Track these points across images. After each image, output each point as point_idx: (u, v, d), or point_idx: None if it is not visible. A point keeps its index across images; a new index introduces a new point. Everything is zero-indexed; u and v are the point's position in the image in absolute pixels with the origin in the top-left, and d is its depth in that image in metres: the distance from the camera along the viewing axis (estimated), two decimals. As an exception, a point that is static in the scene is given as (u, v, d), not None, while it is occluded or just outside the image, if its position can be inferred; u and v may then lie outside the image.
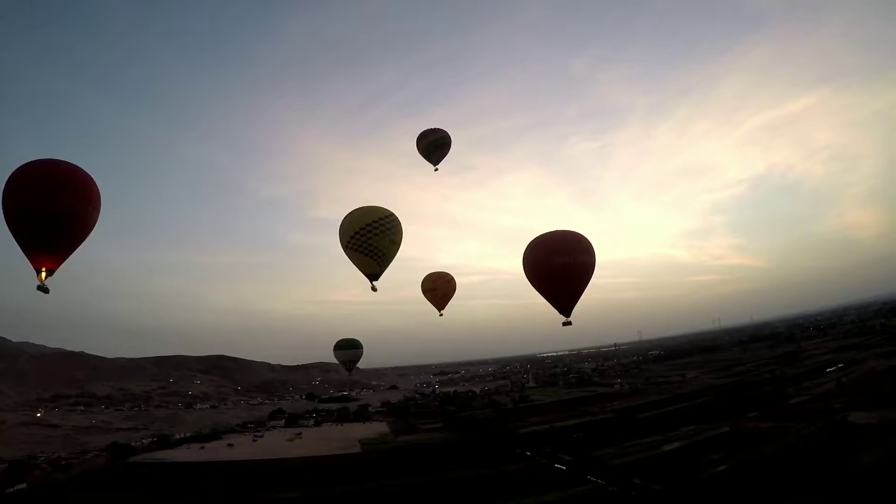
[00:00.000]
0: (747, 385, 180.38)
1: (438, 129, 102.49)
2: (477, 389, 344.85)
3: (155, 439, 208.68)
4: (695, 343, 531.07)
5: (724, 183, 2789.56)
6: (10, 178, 46.77)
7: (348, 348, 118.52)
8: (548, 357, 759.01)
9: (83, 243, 50.50)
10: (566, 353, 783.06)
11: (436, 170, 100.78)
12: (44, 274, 47.01)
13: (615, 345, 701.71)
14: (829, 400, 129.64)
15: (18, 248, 47.18)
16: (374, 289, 76.36)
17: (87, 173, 48.86)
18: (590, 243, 64.40)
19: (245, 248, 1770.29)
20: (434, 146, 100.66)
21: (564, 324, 63.50)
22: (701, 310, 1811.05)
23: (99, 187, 49.86)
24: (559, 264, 62.17)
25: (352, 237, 72.87)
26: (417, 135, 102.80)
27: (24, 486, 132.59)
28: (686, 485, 75.57)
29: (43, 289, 47.22)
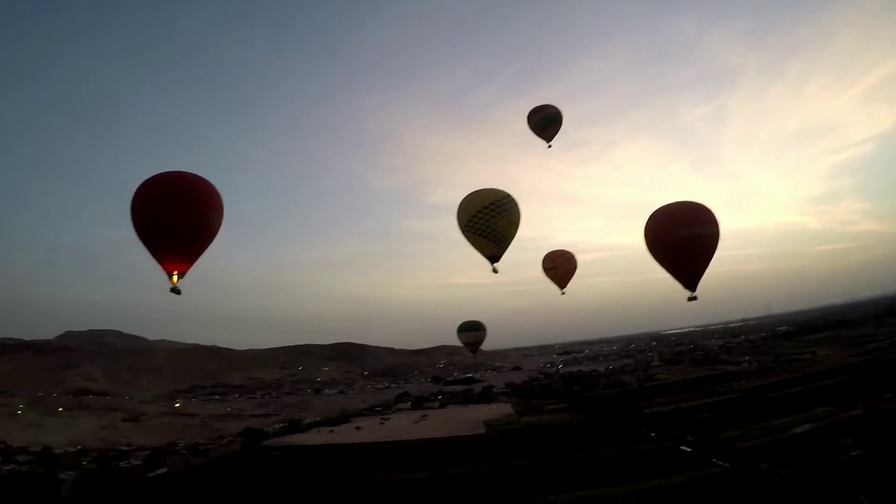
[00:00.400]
0: (883, 363, 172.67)
1: (548, 105, 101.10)
2: (601, 369, 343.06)
3: (286, 424, 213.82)
4: (826, 317, 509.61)
5: (848, 142, 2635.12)
6: (137, 191, 48.28)
7: (472, 330, 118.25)
8: (672, 334, 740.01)
9: (210, 246, 52.21)
10: (691, 329, 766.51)
11: (549, 146, 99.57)
12: (175, 277, 48.61)
13: (742, 320, 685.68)
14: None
15: (149, 254, 49.17)
16: (495, 270, 75.82)
17: (209, 182, 50.07)
18: (713, 214, 62.41)
19: (363, 238, 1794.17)
20: (545, 122, 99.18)
21: (690, 299, 61.71)
22: (831, 281, 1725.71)
23: (223, 195, 51.60)
24: (682, 237, 59.57)
25: (470, 220, 72.70)
26: (527, 113, 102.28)
27: (164, 470, 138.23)
28: (815, 470, 73.66)
29: (175, 291, 49.00)
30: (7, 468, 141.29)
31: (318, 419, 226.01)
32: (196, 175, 50.03)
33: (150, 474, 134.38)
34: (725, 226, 62.42)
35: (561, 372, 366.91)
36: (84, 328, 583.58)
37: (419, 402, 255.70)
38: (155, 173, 49.58)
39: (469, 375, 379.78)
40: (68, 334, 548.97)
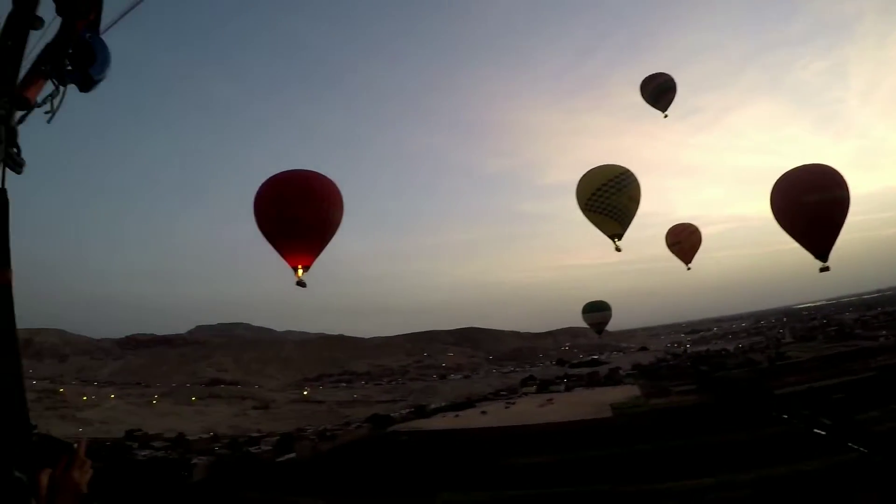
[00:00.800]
0: None
1: (661, 73, 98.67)
2: (730, 347, 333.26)
3: (412, 410, 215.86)
4: None
5: None
6: (260, 190, 49.51)
7: (596, 311, 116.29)
8: (805, 308, 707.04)
9: (332, 241, 53.09)
10: (824, 302, 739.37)
11: (665, 116, 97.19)
12: (300, 271, 49.46)
13: (878, 291, 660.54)
14: None
15: (273, 250, 50.29)
16: (618, 249, 74.25)
17: (328, 178, 50.94)
18: (841, 176, 59.12)
19: (481, 223, 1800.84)
20: (659, 91, 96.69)
21: (822, 269, 58.88)
22: None
23: (340, 186, 52.38)
24: (811, 202, 56.21)
25: (589, 198, 71.16)
26: (639, 83, 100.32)
27: (293, 455, 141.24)
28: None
29: (301, 284, 49.85)
30: (144, 453, 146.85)
31: (443, 404, 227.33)
32: (316, 172, 50.81)
33: (279, 459, 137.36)
34: (854, 189, 59.37)
35: (689, 351, 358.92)
36: (214, 322, 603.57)
37: (544, 386, 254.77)
38: (275, 172, 50.66)
39: (594, 357, 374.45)
40: (199, 328, 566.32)
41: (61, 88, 4.80)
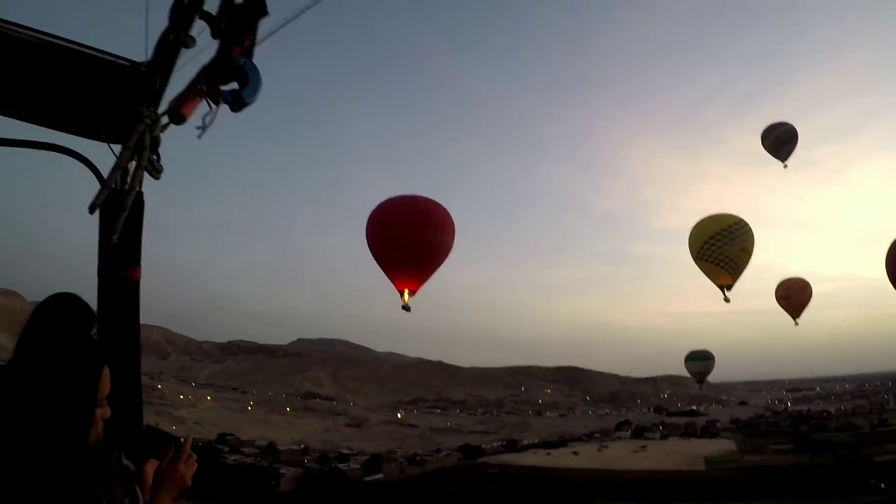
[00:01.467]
0: None
1: (783, 122, 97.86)
2: (832, 409, 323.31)
3: (504, 443, 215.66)
4: None
5: None
6: (374, 211, 50.73)
7: (699, 360, 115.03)
8: None
9: (440, 267, 53.95)
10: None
11: (785, 166, 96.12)
12: (406, 295, 50.41)
13: None
14: None
15: (381, 271, 51.36)
16: (726, 299, 73.46)
17: (439, 204, 51.76)
18: None
19: (589, 262, 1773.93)
20: (780, 141, 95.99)
21: None
22: None
23: (451, 212, 53.25)
24: None
25: (702, 247, 70.59)
26: (760, 132, 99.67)
27: (381, 476, 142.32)
28: None
29: (406, 308, 50.82)
30: (234, 458, 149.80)
31: (536, 441, 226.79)
32: (429, 198, 51.80)
33: (367, 478, 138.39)
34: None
35: (789, 409, 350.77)
36: (315, 336, 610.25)
37: (640, 432, 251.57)
38: (388, 194, 51.86)
39: (693, 408, 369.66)
40: (300, 341, 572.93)
41: (214, 108, 5.09)
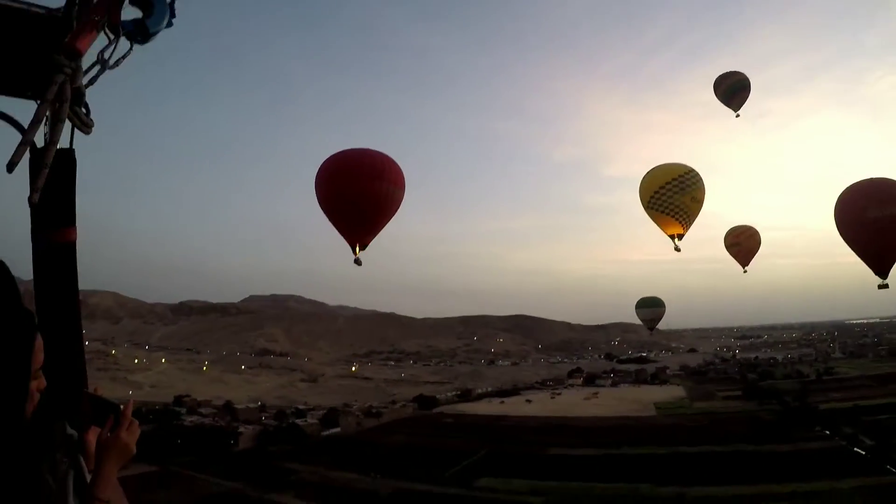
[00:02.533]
0: None
1: (736, 71, 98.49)
2: (779, 357, 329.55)
3: (458, 393, 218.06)
4: None
5: None
6: (323, 166, 50.39)
7: (650, 307, 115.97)
8: (857, 324, 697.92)
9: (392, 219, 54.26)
10: (878, 320, 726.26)
11: (737, 115, 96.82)
12: (357, 249, 50.77)
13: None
14: None
15: (331, 224, 51.52)
16: (677, 249, 73.41)
17: (391, 158, 51.34)
18: None
19: (541, 211, 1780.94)
20: (733, 90, 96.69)
21: (881, 286, 57.90)
22: None
23: (402, 166, 53.36)
24: (875, 217, 54.66)
25: (652, 197, 70.41)
26: (713, 81, 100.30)
27: (338, 429, 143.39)
28: None
29: (357, 262, 51.16)
30: (191, 419, 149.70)
31: (489, 389, 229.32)
32: (379, 152, 51.56)
33: (325, 433, 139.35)
34: (920, 207, 58.80)
35: (737, 357, 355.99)
36: (267, 293, 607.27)
37: (591, 379, 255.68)
38: (338, 148, 51.69)
39: (643, 354, 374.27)
40: (252, 298, 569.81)
41: (114, 40, 4.74)
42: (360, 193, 48.26)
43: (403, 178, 51.51)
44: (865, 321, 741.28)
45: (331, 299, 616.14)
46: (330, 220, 50.11)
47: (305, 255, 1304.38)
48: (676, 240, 70.68)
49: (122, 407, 4.13)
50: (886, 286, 56.35)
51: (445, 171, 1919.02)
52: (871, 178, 59.11)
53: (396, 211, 51.69)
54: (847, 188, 58.83)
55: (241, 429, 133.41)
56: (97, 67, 4.74)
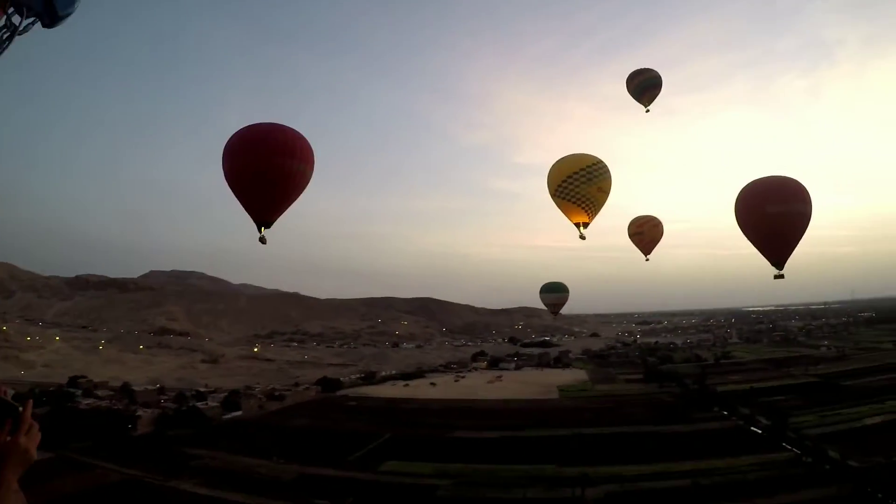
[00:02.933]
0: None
1: (648, 68, 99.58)
2: (679, 342, 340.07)
3: (362, 375, 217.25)
4: None
5: None
6: (230, 141, 49.91)
7: (554, 291, 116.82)
8: (753, 312, 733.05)
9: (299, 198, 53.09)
10: (773, 308, 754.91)
11: (647, 111, 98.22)
12: (262, 227, 49.70)
13: (825, 303, 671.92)
14: None
15: (237, 200, 50.23)
16: (582, 237, 73.69)
17: (298, 133, 50.89)
18: (806, 191, 58.94)
19: (450, 193, 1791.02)
20: (645, 86, 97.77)
21: (776, 277, 59.75)
22: None
23: (312, 142, 52.16)
24: (773, 213, 58.63)
25: (560, 185, 72.55)
26: (626, 76, 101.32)
27: (240, 413, 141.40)
28: (886, 465, 72.55)
29: (262, 240, 50.14)
30: (87, 402, 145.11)
31: (393, 372, 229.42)
32: (289, 128, 50.56)
33: (226, 416, 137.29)
34: (817, 205, 60.61)
35: (638, 342, 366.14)
36: (168, 268, 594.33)
37: (495, 363, 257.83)
38: (247, 122, 50.34)
39: (546, 339, 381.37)
40: (153, 273, 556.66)
41: (19, 20, 4.39)
42: (268, 171, 47.97)
43: (313, 155, 51.22)
44: (761, 309, 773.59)
45: (233, 277, 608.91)
46: (236, 195, 49.78)
47: (209, 231, 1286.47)
48: (582, 228, 73.33)
49: (20, 408, 3.94)
50: (782, 277, 59.65)
51: (355, 147, 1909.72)
52: (772, 176, 62.57)
53: (304, 189, 51.77)
54: (748, 184, 62.28)
55: (140, 412, 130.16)
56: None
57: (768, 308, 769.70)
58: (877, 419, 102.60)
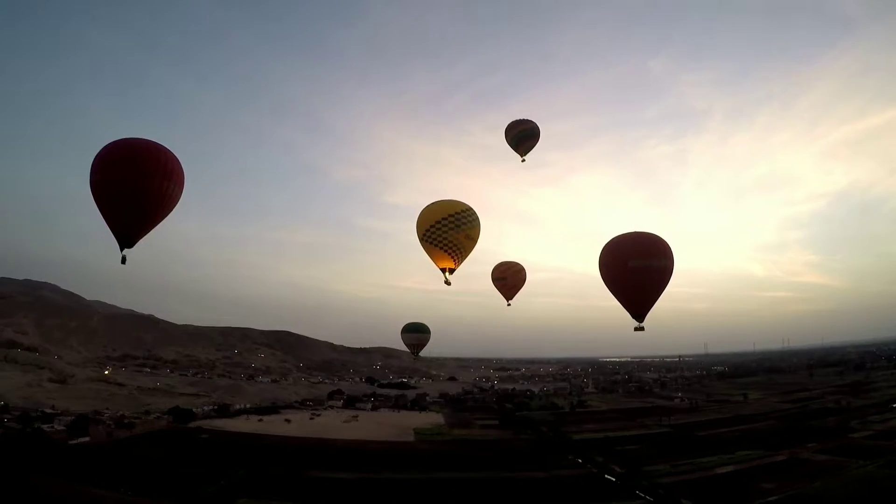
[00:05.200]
0: (810, 413, 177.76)
1: (527, 119, 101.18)
2: (536, 389, 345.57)
3: (216, 407, 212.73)
4: (761, 362, 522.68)
5: (803, 196, 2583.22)
6: (98, 155, 49.16)
7: (416, 332, 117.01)
8: (610, 362, 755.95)
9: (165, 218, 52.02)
10: (629, 359, 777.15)
11: (523, 160, 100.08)
12: (124, 247, 48.59)
13: (679, 357, 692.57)
14: (893, 438, 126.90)
15: (99, 213, 49.53)
16: (447, 282, 74.47)
17: (171, 153, 50.83)
18: (669, 247, 63.61)
19: (318, 227, 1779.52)
20: (523, 136, 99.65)
21: (637, 329, 61.31)
22: (771, 327, 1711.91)
23: (182, 162, 51.40)
24: (636, 267, 61.12)
25: (428, 230, 74.27)
26: (504, 126, 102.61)
27: (87, 438, 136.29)
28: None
29: (123, 260, 48.87)
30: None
31: (248, 406, 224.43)
32: (161, 146, 50.42)
33: (73, 441, 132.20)
34: (675, 262, 62.92)
35: (495, 388, 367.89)
36: (20, 277, 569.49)
37: (351, 402, 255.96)
38: (112, 129, 49.55)
39: (404, 380, 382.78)
40: (3, 281, 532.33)
41: None
42: (138, 189, 47.75)
43: (183, 175, 51.59)
44: (618, 359, 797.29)
45: (87, 292, 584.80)
46: (101, 210, 49.25)
47: (65, 241, 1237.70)
48: (447, 273, 75.28)
49: None
50: (642, 329, 61.87)
51: (224, 171, 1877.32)
52: (635, 232, 64.70)
53: (172, 208, 51.72)
54: (612, 239, 64.69)
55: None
56: None
57: (625, 359, 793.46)
58: (728, 468, 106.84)
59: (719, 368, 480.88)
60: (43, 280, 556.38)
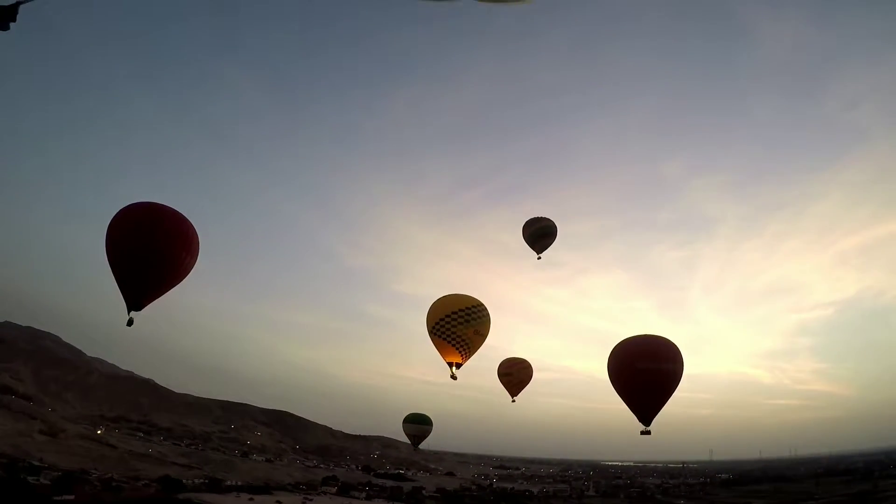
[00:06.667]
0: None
1: (545, 217, 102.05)
2: (535, 490, 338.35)
3: (206, 481, 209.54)
4: (767, 470, 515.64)
5: (812, 304, 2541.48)
6: (116, 217, 49.07)
7: (418, 423, 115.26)
8: (612, 466, 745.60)
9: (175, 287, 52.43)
10: (631, 464, 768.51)
11: (539, 258, 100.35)
12: (132, 310, 48.40)
13: (683, 463, 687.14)
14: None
15: (111, 274, 49.23)
16: (453, 377, 74.46)
17: (188, 222, 50.98)
18: (678, 351, 63.09)
19: (325, 310, 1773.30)
20: (539, 234, 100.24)
21: (643, 433, 60.60)
22: (777, 434, 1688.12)
23: (200, 226, 51.52)
24: (645, 369, 60.71)
25: (437, 323, 74.03)
26: (521, 223, 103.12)
27: (72, 497, 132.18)
28: None
29: (130, 323, 48.68)
30: None
31: (239, 483, 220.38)
32: (179, 213, 50.57)
33: (56, 498, 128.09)
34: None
35: (494, 486, 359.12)
36: (24, 323, 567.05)
37: (346, 489, 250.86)
38: (135, 190, 48.34)
39: (401, 472, 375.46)
40: (7, 325, 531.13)
41: None
42: (151, 255, 47.88)
43: (198, 246, 51.48)
44: (620, 463, 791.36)
45: (89, 349, 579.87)
46: (113, 270, 49.04)
47: (75, 294, 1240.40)
48: (454, 368, 74.19)
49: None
50: (649, 433, 61.74)
51: (238, 247, 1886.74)
52: (644, 335, 65.67)
53: (184, 278, 51.53)
54: (621, 341, 65.27)
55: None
56: None
57: (627, 463, 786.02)
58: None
59: (724, 475, 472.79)
60: (46, 329, 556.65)
